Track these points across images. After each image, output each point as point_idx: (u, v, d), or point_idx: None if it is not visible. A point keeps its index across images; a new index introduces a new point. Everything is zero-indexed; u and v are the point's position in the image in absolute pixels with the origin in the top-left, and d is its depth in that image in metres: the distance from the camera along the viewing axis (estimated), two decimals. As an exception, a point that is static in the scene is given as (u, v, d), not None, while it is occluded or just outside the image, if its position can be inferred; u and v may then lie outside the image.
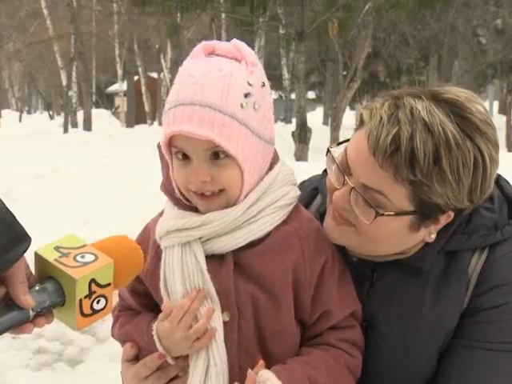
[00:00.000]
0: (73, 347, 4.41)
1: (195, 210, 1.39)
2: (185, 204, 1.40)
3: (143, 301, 1.50)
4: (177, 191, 1.39)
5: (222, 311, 1.37)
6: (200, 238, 1.36)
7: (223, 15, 21.76)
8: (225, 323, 1.37)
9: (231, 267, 1.37)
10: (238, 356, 1.38)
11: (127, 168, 10.90)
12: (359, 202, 1.37)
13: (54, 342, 4.41)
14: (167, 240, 1.39)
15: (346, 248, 1.51)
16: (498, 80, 23.93)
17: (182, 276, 1.37)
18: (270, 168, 1.42)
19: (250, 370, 1.31)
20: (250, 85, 1.32)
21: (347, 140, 1.46)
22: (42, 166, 12.06)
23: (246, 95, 1.31)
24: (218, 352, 1.35)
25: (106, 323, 1.35)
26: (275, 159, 1.44)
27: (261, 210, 1.37)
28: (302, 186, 1.70)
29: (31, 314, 1.06)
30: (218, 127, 1.27)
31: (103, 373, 3.93)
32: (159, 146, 1.38)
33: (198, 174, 1.31)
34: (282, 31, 19.25)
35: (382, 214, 1.34)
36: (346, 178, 1.39)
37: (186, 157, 1.32)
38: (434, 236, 1.42)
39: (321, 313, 1.41)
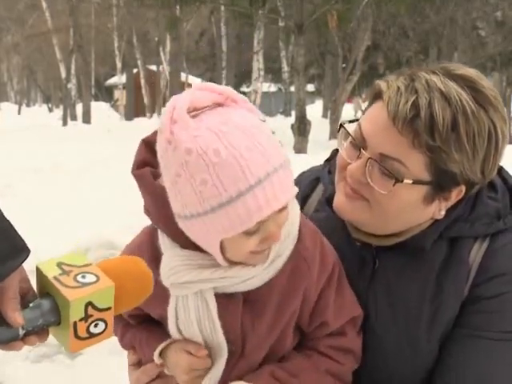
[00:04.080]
0: (73, 340, 4.41)
1: (197, 246, 1.27)
2: (185, 239, 1.25)
3: (140, 320, 1.48)
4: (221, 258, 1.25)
5: (227, 342, 1.35)
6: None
7: (222, 8, 21.73)
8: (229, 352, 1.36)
9: (240, 306, 1.33)
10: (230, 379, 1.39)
11: (127, 162, 10.88)
12: (375, 173, 1.38)
13: (54, 335, 4.41)
14: (179, 290, 1.31)
15: (351, 230, 1.52)
16: (498, 73, 23.88)
17: (197, 322, 1.33)
18: None
19: None
20: None
21: (357, 120, 1.47)
22: (41, 160, 12.04)
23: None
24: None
25: (105, 316, 1.34)
26: None
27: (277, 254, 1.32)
28: (302, 176, 1.71)
29: (21, 332, 0.99)
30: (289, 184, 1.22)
31: (103, 365, 3.93)
32: (135, 173, 1.31)
33: (276, 236, 1.23)
34: (281, 24, 19.21)
35: (401, 181, 1.35)
36: (362, 150, 1.40)
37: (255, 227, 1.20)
38: (443, 213, 1.43)
39: (318, 323, 1.42)
